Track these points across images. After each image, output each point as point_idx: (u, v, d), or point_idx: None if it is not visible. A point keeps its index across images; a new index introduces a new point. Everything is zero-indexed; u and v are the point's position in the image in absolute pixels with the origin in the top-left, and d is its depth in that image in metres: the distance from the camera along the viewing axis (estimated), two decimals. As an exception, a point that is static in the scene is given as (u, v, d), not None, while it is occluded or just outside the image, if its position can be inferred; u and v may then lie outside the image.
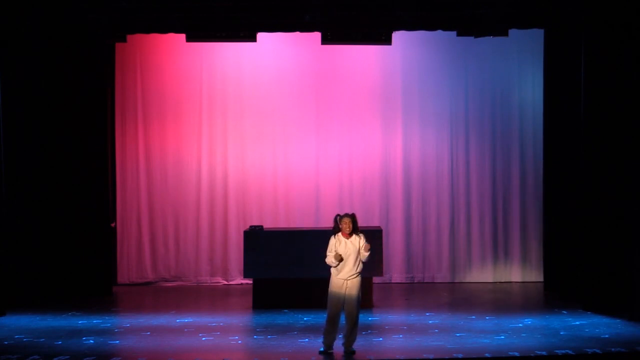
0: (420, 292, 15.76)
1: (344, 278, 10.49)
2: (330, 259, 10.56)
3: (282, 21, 14.45)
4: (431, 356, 10.28)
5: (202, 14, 14.26)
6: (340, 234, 10.61)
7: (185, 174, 16.89)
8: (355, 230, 10.61)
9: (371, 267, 13.89)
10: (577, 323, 12.41)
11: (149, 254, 16.87)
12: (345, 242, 10.55)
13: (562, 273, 14.85)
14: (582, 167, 13.60)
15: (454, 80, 16.88)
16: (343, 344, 10.58)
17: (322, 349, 10.60)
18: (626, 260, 12.76)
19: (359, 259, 10.54)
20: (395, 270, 16.83)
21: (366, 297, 13.97)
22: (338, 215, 10.72)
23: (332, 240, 10.62)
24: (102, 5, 14.13)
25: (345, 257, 10.48)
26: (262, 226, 14.62)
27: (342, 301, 10.48)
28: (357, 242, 10.55)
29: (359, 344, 10.76)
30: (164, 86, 16.88)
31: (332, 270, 10.58)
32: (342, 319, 10.59)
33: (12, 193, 13.99)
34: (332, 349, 10.55)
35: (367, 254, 10.53)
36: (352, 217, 10.63)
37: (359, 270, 10.55)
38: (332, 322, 10.51)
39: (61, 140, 15.14)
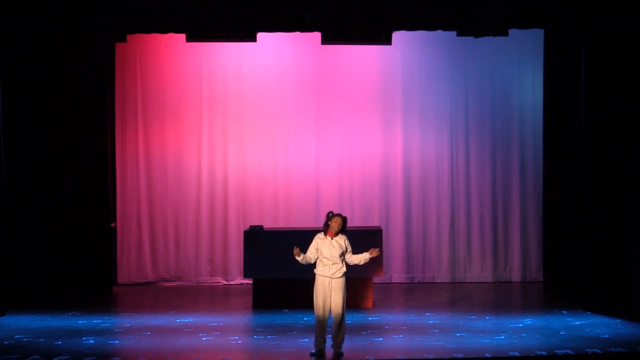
0: (420, 292, 15.76)
1: (329, 276, 10.43)
2: (302, 256, 10.51)
3: (282, 21, 14.43)
4: (431, 356, 10.28)
5: (202, 13, 14.24)
6: (325, 232, 10.54)
7: (185, 174, 16.89)
8: (342, 231, 10.55)
9: (371, 267, 13.89)
10: (577, 323, 12.41)
11: (149, 254, 16.86)
12: (331, 241, 10.52)
13: (562, 273, 14.84)
14: (582, 167, 13.60)
15: (454, 80, 16.88)
16: (332, 346, 10.53)
17: (313, 351, 10.55)
18: (626, 260, 12.76)
19: (344, 259, 10.51)
20: (395, 270, 16.83)
21: (366, 297, 14.00)
22: (331, 212, 10.68)
23: (318, 238, 10.57)
24: (102, 5, 14.12)
25: (331, 256, 10.42)
26: (262, 226, 14.61)
27: (328, 301, 10.42)
28: (343, 242, 10.51)
29: (359, 344, 10.76)
30: (164, 86, 16.87)
31: (317, 269, 10.53)
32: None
33: (12, 193, 14.01)
34: (324, 352, 10.48)
35: (370, 256, 10.55)
36: (344, 218, 10.58)
37: (344, 270, 10.50)
38: (322, 325, 10.44)
39: (61, 140, 15.13)
